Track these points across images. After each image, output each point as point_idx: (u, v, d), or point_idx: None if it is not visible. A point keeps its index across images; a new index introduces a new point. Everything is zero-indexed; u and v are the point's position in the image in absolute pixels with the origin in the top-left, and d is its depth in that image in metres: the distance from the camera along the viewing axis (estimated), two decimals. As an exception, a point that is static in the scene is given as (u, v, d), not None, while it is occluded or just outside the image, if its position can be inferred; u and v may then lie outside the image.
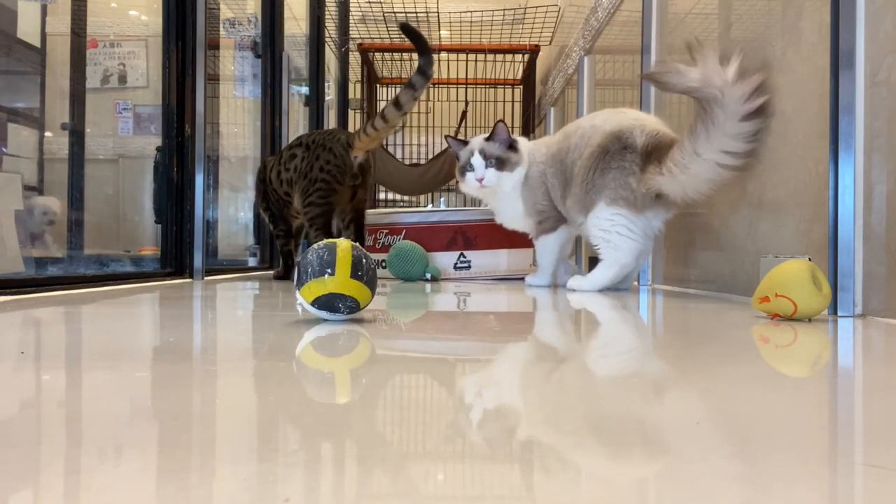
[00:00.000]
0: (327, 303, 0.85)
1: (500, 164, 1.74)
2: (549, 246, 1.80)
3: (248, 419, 0.41)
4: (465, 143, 1.82)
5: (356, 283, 0.84)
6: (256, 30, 3.03)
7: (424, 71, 1.80)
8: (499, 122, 1.77)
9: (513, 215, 1.83)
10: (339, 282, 0.83)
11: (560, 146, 1.71)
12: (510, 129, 1.80)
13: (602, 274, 1.62)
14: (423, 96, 4.60)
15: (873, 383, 0.56)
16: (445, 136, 1.88)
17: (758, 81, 1.23)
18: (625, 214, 1.56)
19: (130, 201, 3.10)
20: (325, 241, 0.87)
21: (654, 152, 1.51)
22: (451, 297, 1.44)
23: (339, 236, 2.02)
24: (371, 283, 0.87)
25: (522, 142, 1.80)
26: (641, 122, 1.61)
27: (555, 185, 1.71)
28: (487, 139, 1.77)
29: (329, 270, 0.83)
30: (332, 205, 1.96)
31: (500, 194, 1.78)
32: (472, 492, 0.29)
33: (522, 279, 1.94)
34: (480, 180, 1.74)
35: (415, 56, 1.85)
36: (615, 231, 1.58)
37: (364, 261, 0.86)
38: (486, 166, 1.74)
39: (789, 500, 0.28)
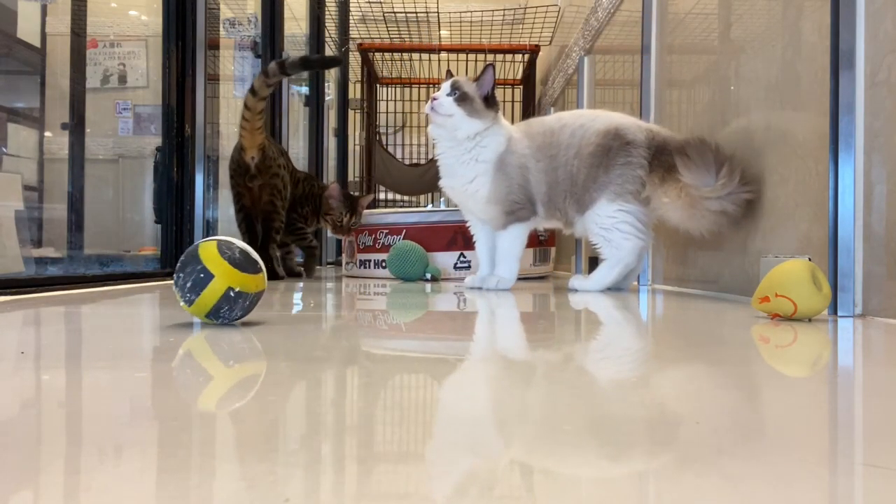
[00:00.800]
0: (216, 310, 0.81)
1: (463, 99, 1.60)
2: (521, 234, 1.68)
3: (248, 419, 0.41)
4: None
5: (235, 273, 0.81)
6: (256, 30, 3.03)
7: (284, 67, 1.97)
8: (489, 65, 1.65)
9: (464, 188, 1.66)
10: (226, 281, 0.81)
11: (546, 141, 1.64)
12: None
13: (605, 274, 1.62)
14: (423, 96, 4.60)
15: (873, 383, 0.56)
16: (447, 70, 1.83)
17: (734, 215, 1.42)
18: (631, 210, 1.57)
19: (130, 201, 3.10)
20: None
21: (663, 154, 1.56)
22: (450, 298, 1.44)
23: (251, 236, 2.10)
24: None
25: (506, 122, 1.69)
26: (632, 119, 1.67)
27: (540, 180, 1.64)
28: (474, 80, 1.66)
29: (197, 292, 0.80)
30: (247, 208, 2.04)
31: (456, 139, 1.64)
32: (471, 491, 0.29)
33: (523, 279, 1.93)
34: (434, 100, 1.62)
35: (414, 56, 1.89)
36: (616, 229, 1.58)
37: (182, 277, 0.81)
38: (448, 94, 1.61)
39: (789, 500, 0.28)
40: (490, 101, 1.64)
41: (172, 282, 0.84)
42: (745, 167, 1.41)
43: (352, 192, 2.32)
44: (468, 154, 1.64)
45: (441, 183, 1.72)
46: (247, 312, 0.84)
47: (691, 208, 1.47)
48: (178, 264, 0.82)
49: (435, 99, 1.62)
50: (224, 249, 0.81)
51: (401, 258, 2.15)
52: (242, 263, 0.81)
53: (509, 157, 1.63)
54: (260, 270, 0.84)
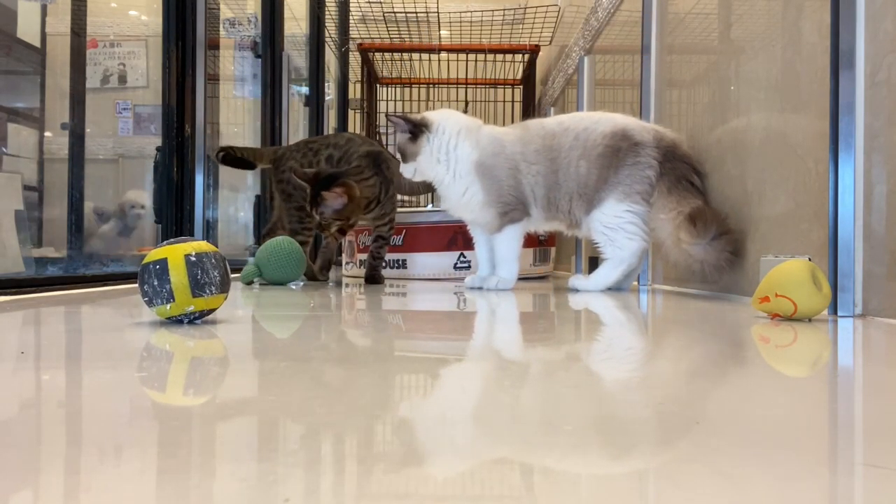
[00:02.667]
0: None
1: (403, 157, 1.68)
2: (517, 235, 1.68)
3: (248, 419, 0.41)
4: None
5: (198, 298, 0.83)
6: (256, 30, 3.03)
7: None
8: (386, 115, 1.69)
9: (459, 203, 1.68)
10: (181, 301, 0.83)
11: (545, 144, 1.64)
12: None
13: (607, 274, 1.62)
14: (423, 96, 4.60)
15: (873, 383, 0.56)
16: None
17: (707, 272, 1.47)
18: (638, 211, 1.57)
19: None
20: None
21: (673, 159, 1.58)
22: (450, 298, 1.44)
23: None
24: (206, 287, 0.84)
25: (448, 123, 1.66)
26: (635, 120, 1.68)
27: (537, 183, 1.63)
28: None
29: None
30: None
31: (434, 179, 1.68)
32: (471, 492, 0.29)
33: (523, 279, 1.92)
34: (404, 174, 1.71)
35: (415, 56, 1.90)
36: (621, 229, 1.58)
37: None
38: (402, 160, 1.69)
39: (789, 500, 0.28)
40: (415, 133, 1.65)
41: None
42: (742, 243, 1.44)
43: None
44: (448, 176, 1.66)
45: (443, 206, 1.77)
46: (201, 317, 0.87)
47: (676, 244, 1.51)
48: (148, 274, 0.83)
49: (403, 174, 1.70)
50: (193, 276, 0.83)
51: (275, 259, 1.80)
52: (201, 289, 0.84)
53: (492, 159, 1.64)
54: (213, 294, 0.85)
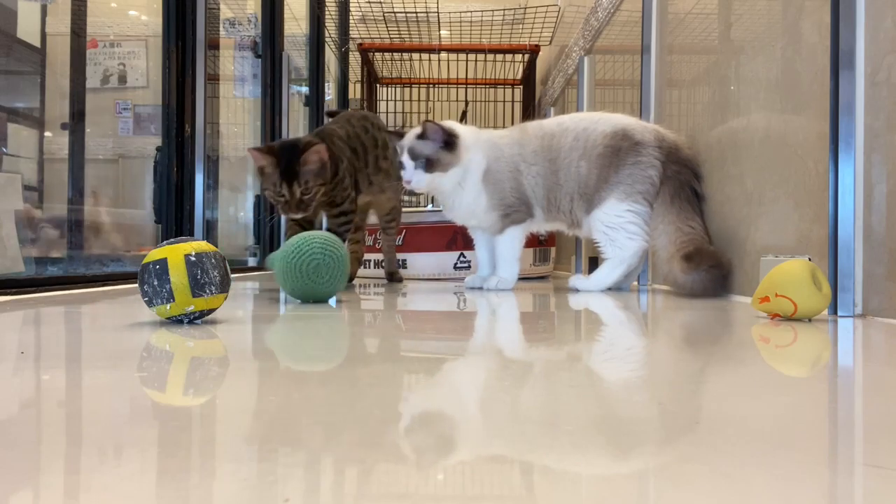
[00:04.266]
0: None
1: (430, 165, 1.59)
2: (519, 236, 1.69)
3: (248, 419, 0.41)
4: (402, 135, 1.68)
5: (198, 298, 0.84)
6: (256, 30, 3.03)
7: None
8: (426, 122, 1.62)
9: (469, 211, 1.68)
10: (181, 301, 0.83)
11: (544, 145, 1.65)
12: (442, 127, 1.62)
13: (607, 273, 1.62)
14: (423, 96, 4.60)
15: (873, 383, 0.56)
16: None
17: (686, 292, 1.49)
18: (639, 211, 1.57)
19: (130, 201, 3.10)
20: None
21: (676, 162, 1.58)
22: (450, 298, 1.44)
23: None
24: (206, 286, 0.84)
25: (467, 135, 1.65)
26: (635, 120, 1.68)
27: (537, 183, 1.64)
28: (419, 137, 1.62)
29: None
30: None
31: (446, 192, 1.66)
32: (472, 492, 0.29)
33: (523, 279, 1.93)
34: (408, 182, 1.62)
35: (414, 56, 1.86)
36: (622, 229, 1.58)
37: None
38: (416, 167, 1.60)
39: (789, 500, 0.28)
40: (450, 143, 1.61)
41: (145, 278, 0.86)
42: (730, 276, 1.46)
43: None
44: (459, 189, 1.64)
45: (445, 214, 1.75)
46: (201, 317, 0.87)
47: (668, 262, 1.53)
48: (148, 274, 0.83)
49: (408, 182, 1.61)
50: (193, 275, 0.83)
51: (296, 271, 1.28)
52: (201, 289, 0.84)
53: (495, 164, 1.65)
54: (213, 294, 0.85)
